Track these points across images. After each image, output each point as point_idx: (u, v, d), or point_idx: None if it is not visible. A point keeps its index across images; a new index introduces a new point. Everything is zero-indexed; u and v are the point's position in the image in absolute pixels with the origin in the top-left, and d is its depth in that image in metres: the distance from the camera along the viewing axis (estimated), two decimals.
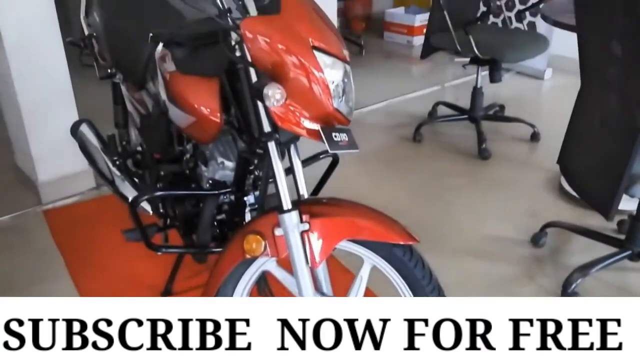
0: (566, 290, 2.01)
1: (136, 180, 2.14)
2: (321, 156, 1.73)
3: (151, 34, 1.65)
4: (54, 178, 2.77)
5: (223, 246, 1.75)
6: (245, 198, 1.70)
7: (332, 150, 1.29)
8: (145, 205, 2.13)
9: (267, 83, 1.23)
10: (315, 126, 1.32)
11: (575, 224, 2.39)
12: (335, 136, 1.33)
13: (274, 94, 1.23)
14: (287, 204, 1.35)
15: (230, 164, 1.63)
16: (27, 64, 2.54)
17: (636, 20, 1.68)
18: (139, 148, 2.09)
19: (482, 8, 3.87)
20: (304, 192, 1.44)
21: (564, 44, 3.23)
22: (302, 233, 1.34)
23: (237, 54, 1.34)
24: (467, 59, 3.22)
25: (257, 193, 1.72)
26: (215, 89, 1.44)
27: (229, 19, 1.29)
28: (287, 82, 1.26)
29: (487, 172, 3.02)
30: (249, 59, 1.31)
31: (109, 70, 2.15)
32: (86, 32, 2.22)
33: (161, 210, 1.93)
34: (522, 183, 2.89)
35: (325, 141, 1.30)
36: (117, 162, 2.14)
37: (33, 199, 2.78)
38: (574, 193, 2.72)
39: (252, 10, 1.31)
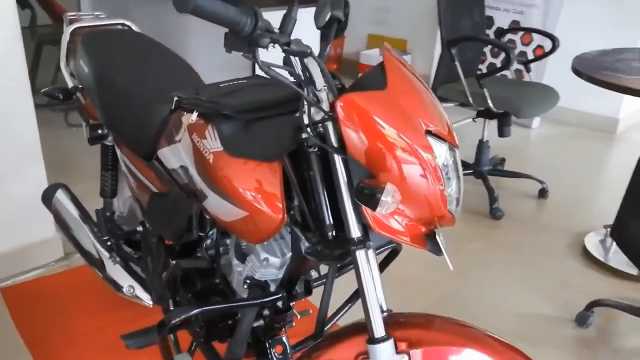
0: None
1: (132, 265, 1.78)
2: (383, 248, 1.42)
3: (176, 98, 1.31)
4: (15, 248, 2.33)
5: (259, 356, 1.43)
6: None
7: (450, 263, 1.00)
8: (140, 293, 1.77)
9: (382, 185, 0.92)
10: (420, 230, 1.03)
11: (622, 301, 2.16)
12: (440, 239, 1.05)
13: (395, 201, 0.92)
14: (379, 330, 1.04)
15: (276, 261, 1.29)
16: None
17: None
18: (139, 228, 1.71)
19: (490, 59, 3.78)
20: (383, 303, 1.12)
21: None
22: None
23: (305, 134, 1.04)
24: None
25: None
26: (277, 176, 1.12)
27: (314, 93, 0.99)
28: (390, 176, 0.97)
29: (502, 236, 2.78)
30: (334, 143, 1.02)
31: (99, 131, 1.80)
32: (69, 84, 1.85)
33: (172, 307, 1.56)
34: (543, 248, 2.67)
35: (444, 252, 1.01)
36: (109, 243, 1.77)
37: None
38: (601, 259, 2.53)
39: (320, 84, 1.02)
